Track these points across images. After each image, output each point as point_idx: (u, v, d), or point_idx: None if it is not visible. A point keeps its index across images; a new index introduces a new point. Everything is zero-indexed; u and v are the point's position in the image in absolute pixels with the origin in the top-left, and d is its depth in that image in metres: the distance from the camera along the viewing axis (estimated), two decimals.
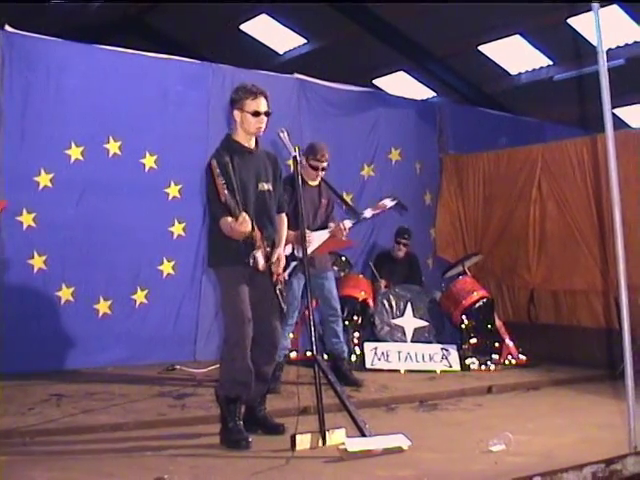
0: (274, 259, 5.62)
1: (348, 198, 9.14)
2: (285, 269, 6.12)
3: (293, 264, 6.85)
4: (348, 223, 7.50)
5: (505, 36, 15.07)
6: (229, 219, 5.30)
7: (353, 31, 15.72)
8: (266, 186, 5.69)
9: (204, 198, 6.03)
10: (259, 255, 5.46)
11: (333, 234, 7.46)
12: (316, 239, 7.39)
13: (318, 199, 7.63)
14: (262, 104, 5.60)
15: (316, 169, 7.48)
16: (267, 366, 5.76)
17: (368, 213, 7.71)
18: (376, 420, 6.03)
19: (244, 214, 5.24)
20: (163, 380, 7.76)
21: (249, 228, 5.29)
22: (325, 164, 7.51)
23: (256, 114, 5.56)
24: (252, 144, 5.71)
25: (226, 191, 5.17)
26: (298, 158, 5.75)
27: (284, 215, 5.96)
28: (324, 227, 7.55)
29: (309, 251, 7.09)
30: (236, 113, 5.62)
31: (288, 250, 6.85)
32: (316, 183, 7.62)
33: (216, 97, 9.01)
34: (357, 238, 9.58)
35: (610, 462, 4.87)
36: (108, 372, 8.08)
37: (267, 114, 5.63)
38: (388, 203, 7.75)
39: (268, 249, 5.59)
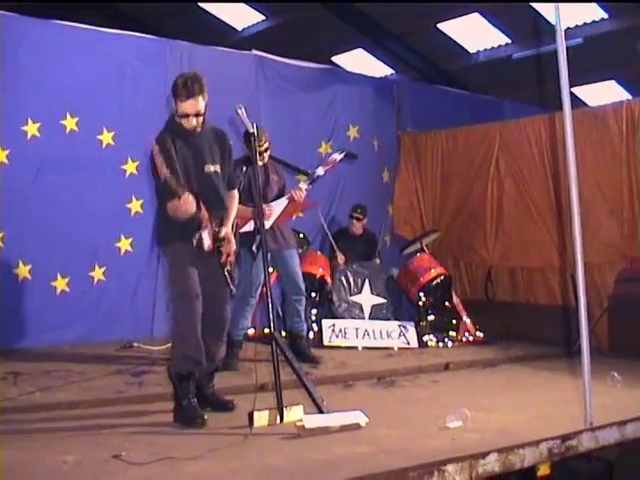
0: (221, 236, 5.52)
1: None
2: (252, 244, 6.12)
3: (258, 238, 6.80)
4: (303, 185, 7.53)
5: (464, 14, 15.07)
6: (174, 201, 5.23)
7: (312, 8, 15.62)
8: (212, 168, 5.62)
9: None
10: (205, 235, 5.38)
11: (291, 199, 7.48)
12: (276, 208, 7.39)
13: (267, 175, 7.61)
14: (190, 106, 5.45)
15: (259, 154, 7.45)
16: (214, 346, 5.71)
17: (320, 171, 7.67)
18: (334, 397, 6.03)
19: (187, 194, 5.16)
20: (120, 358, 7.72)
21: (193, 208, 5.21)
22: (265, 146, 7.44)
23: (184, 116, 5.47)
24: (198, 126, 5.60)
25: (166, 169, 5.14)
26: (256, 134, 5.73)
27: (235, 192, 5.89)
28: (280, 197, 7.57)
29: (271, 221, 7.10)
30: (173, 102, 5.53)
31: (250, 226, 6.85)
32: (262, 162, 7.58)
33: (173, 73, 8.61)
34: (315, 215, 9.58)
35: (566, 438, 4.92)
36: (65, 350, 7.99)
37: (198, 115, 5.50)
38: (337, 156, 7.77)
39: (216, 228, 5.51)
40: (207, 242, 5.41)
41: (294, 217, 8.49)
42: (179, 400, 5.46)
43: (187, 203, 5.17)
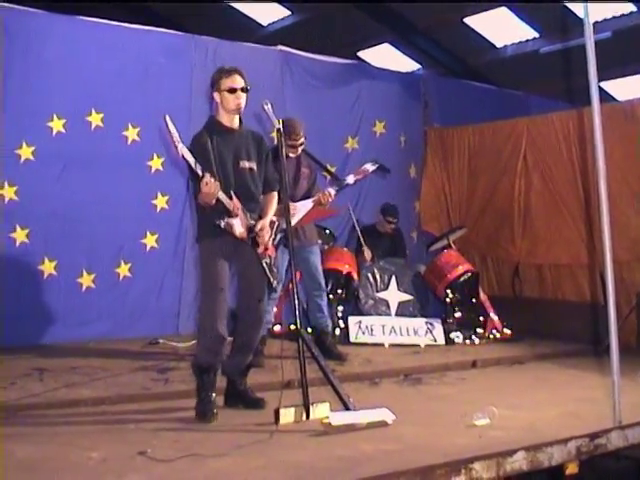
0: (257, 229, 5.58)
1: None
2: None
3: (279, 236, 6.82)
4: (332, 190, 7.50)
5: (491, 8, 15.02)
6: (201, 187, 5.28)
7: (338, 3, 15.63)
8: (247, 164, 5.68)
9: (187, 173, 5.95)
10: (236, 222, 5.45)
11: (318, 202, 7.46)
12: (300, 209, 7.40)
13: (299, 169, 7.62)
14: (237, 80, 5.59)
15: (293, 147, 7.45)
16: (251, 340, 5.77)
17: (350, 179, 7.67)
18: (360, 394, 6.04)
19: (208, 175, 5.19)
20: (146, 354, 7.74)
21: (215, 190, 5.23)
22: (301, 140, 7.48)
23: (232, 90, 5.55)
24: (235, 124, 5.71)
25: (184, 150, 5.16)
26: (282, 129, 5.73)
27: (274, 193, 5.94)
28: (307, 197, 7.55)
29: (294, 222, 7.09)
30: (215, 95, 5.64)
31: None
32: (295, 155, 7.59)
33: (199, 69, 8.96)
34: (341, 212, 9.57)
35: (594, 436, 4.89)
36: (91, 346, 8.04)
37: (244, 90, 5.60)
38: (369, 167, 7.72)
39: (252, 222, 5.58)
40: (238, 229, 5.47)
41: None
42: (199, 393, 5.52)
43: (209, 184, 5.19)
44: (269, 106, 5.70)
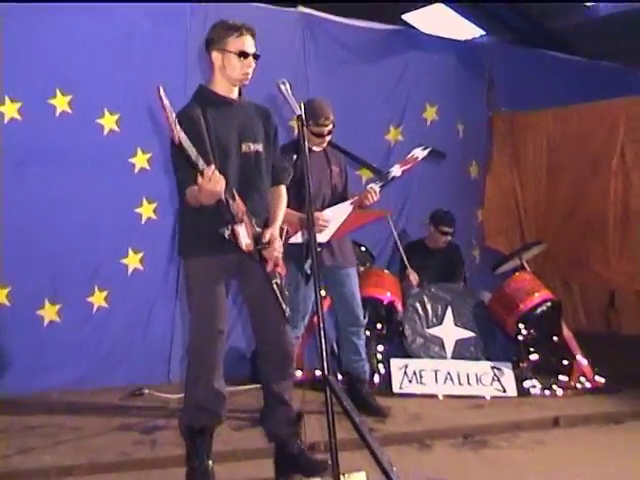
0: (266, 240, 5.48)
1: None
2: (302, 261, 6.12)
3: (309, 261, 6.76)
4: (375, 186, 7.50)
5: None
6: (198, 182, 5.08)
7: None
8: (253, 147, 5.63)
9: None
10: (242, 231, 5.33)
11: (359, 204, 7.46)
12: (335, 217, 7.38)
13: (327, 167, 7.64)
14: (249, 43, 5.57)
15: (320, 135, 7.45)
16: (281, 384, 5.73)
17: (397, 170, 7.67)
18: (406, 460, 6.06)
19: (212, 167, 5.03)
20: (127, 409, 7.77)
21: (220, 187, 5.07)
22: (330, 127, 7.50)
23: (243, 55, 5.52)
24: (234, 94, 5.69)
25: (181, 135, 4.89)
26: (304, 116, 5.62)
27: (283, 188, 5.94)
28: (341, 201, 7.57)
29: (327, 235, 7.11)
30: (215, 55, 5.59)
31: (298, 238, 6.88)
32: (321, 148, 7.64)
33: (196, 39, 8.95)
34: (380, 222, 9.56)
35: None
36: (55, 398, 8.05)
37: (256, 57, 5.60)
38: (419, 153, 7.76)
39: (258, 229, 5.51)
40: (245, 240, 5.36)
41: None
42: (190, 460, 5.53)
43: (214, 179, 5.03)
44: (287, 86, 5.61)
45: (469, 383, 8.81)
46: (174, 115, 4.81)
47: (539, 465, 6.36)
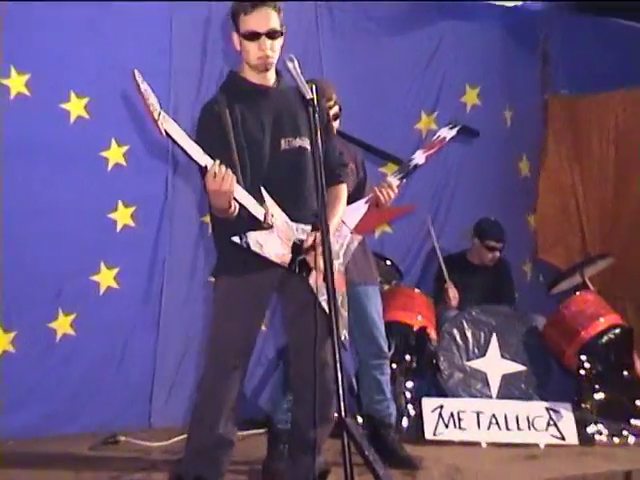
0: (308, 244, 5.34)
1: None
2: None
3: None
4: (393, 179, 7.38)
5: None
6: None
7: None
8: (296, 142, 5.59)
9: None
10: (269, 237, 5.23)
11: (374, 202, 7.32)
12: (348, 220, 7.24)
13: None
14: (262, 19, 5.46)
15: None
16: (315, 431, 5.57)
17: (419, 157, 7.52)
18: None
19: (217, 162, 4.96)
20: (98, 460, 7.67)
21: (228, 186, 4.98)
22: (336, 109, 7.41)
23: (252, 36, 5.45)
24: (269, 80, 5.66)
25: (170, 126, 4.83)
26: (315, 100, 5.50)
27: (341, 187, 5.88)
28: (356, 199, 7.42)
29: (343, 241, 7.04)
30: (235, 38, 5.59)
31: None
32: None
33: (182, 8, 8.91)
34: (408, 227, 9.45)
35: None
36: (9, 448, 7.93)
37: (272, 35, 5.50)
38: (446, 133, 7.65)
39: (302, 236, 5.39)
40: (275, 249, 5.26)
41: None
42: None
43: (218, 177, 4.95)
44: (295, 63, 5.52)
45: (519, 428, 8.69)
46: (156, 101, 4.74)
47: None
